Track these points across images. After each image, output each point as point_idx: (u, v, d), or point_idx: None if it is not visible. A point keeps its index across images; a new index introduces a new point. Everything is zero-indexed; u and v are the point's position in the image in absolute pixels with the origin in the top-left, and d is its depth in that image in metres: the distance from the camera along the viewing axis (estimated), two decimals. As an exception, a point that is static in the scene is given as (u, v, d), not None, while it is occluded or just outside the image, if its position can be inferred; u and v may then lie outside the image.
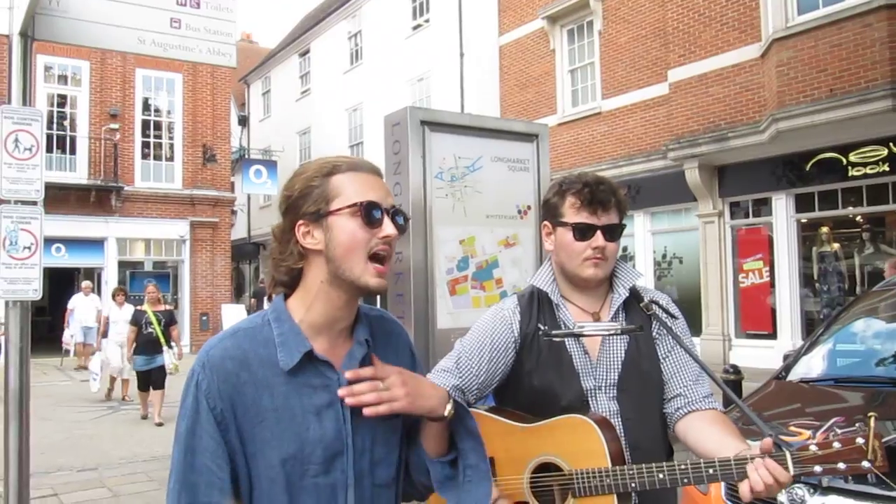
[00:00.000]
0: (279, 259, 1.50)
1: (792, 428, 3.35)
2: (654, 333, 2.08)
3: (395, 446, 1.58)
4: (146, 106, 20.68)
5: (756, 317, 12.86)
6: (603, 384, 2.02)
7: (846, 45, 10.04)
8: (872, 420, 1.56)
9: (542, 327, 2.05)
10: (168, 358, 10.03)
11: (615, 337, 2.04)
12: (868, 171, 10.84)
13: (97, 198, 19.18)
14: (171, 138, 21.02)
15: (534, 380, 2.05)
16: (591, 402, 2.00)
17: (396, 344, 1.64)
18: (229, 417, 1.40)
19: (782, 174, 12.08)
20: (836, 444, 1.56)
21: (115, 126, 19.59)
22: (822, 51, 10.28)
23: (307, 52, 27.62)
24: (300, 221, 1.46)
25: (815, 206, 11.90)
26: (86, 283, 16.53)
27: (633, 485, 1.80)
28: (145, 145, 20.57)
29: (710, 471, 1.71)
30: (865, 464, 1.55)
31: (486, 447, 1.62)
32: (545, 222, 2.14)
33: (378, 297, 1.61)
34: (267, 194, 26.37)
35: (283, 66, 29.36)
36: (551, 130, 4.12)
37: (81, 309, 15.71)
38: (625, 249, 14.84)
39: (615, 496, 1.82)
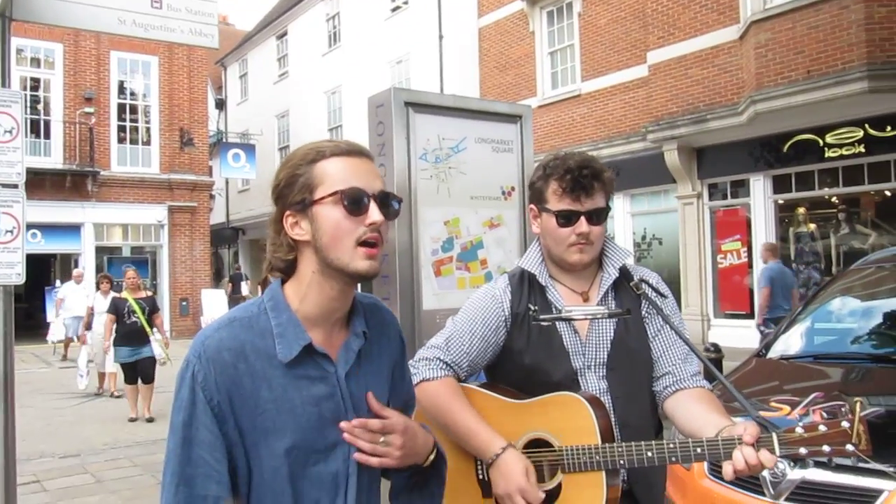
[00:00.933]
0: (273, 248, 1.48)
1: (773, 403, 3.42)
2: (643, 312, 2.09)
3: None
4: (121, 89, 20.42)
5: (734, 297, 13.01)
6: (592, 363, 2.04)
7: (823, 27, 10.11)
8: (858, 405, 1.59)
9: (532, 308, 2.07)
10: (158, 349, 9.32)
11: (624, 315, 2.05)
12: (844, 152, 10.97)
13: (73, 183, 18.95)
14: (147, 122, 20.78)
15: (525, 359, 2.07)
16: (580, 381, 2.03)
17: (389, 333, 1.63)
18: (226, 409, 1.37)
19: (760, 156, 12.19)
20: (822, 428, 1.58)
21: (91, 110, 19.31)
22: (800, 33, 10.35)
23: (284, 34, 27.34)
24: (287, 212, 1.43)
25: (792, 187, 12.03)
26: (77, 271, 15.24)
27: (621, 462, 1.83)
28: (121, 129, 20.33)
29: (698, 450, 1.73)
30: (850, 447, 1.57)
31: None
32: (531, 205, 2.14)
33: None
34: (245, 178, 26.16)
35: (261, 48, 29.06)
36: (532, 114, 4.13)
37: (73, 298, 14.46)
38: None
39: (604, 472, 1.85)
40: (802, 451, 1.61)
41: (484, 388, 2.08)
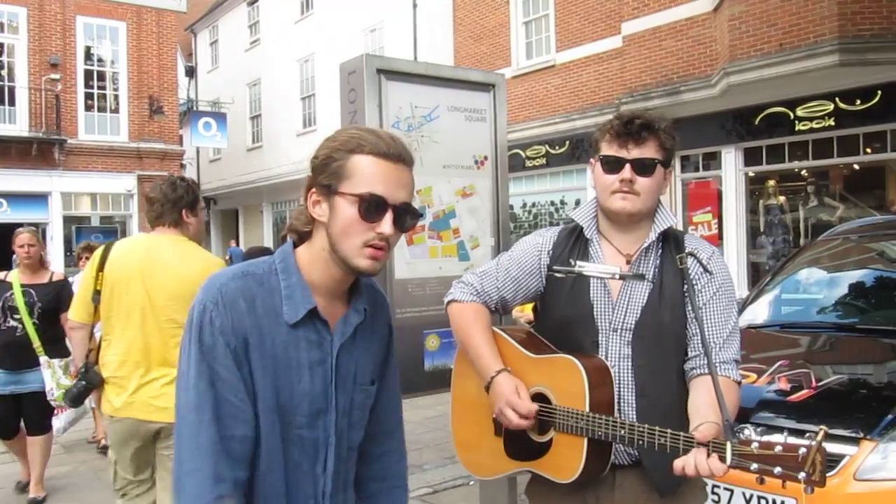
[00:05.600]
0: (297, 213, 1.52)
1: (740, 371, 3.47)
2: (684, 288, 2.02)
3: (367, 412, 1.63)
4: (88, 55, 19.92)
5: (704, 268, 13.11)
6: (619, 327, 2.03)
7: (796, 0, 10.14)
8: (822, 434, 1.54)
9: (572, 261, 2.08)
10: (49, 377, 4.84)
11: (637, 281, 2.03)
12: (814, 125, 11.06)
13: (39, 151, 18.54)
14: (115, 89, 20.34)
15: (555, 311, 2.12)
16: (602, 343, 2.04)
17: (382, 317, 1.67)
18: (242, 355, 1.40)
19: (732, 128, 12.25)
20: (778, 448, 1.56)
21: (57, 76, 18.86)
22: (773, 5, 10.37)
23: (256, 0, 26.85)
24: (313, 190, 1.47)
25: (763, 159, 12.12)
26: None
27: (599, 433, 1.87)
28: (89, 96, 19.87)
29: (662, 440, 1.76)
30: (801, 475, 1.52)
31: None
32: (591, 159, 2.16)
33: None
34: (217, 147, 25.82)
35: (231, 14, 28.51)
36: (506, 83, 4.11)
37: None
38: (577, 203, 14.98)
39: (586, 440, 1.90)
40: (754, 466, 1.59)
41: (510, 337, 2.16)
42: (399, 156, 1.46)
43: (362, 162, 1.42)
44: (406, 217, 1.46)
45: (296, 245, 1.53)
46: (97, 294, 3.45)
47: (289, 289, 1.46)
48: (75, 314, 3.59)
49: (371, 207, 1.41)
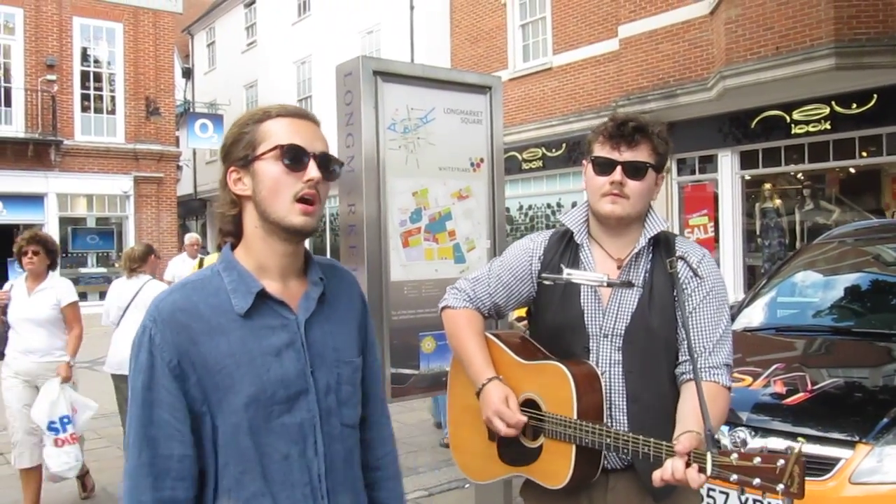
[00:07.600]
0: (220, 207, 1.53)
1: (735, 375, 3.46)
2: (674, 293, 2.00)
3: (359, 387, 1.61)
4: (85, 56, 19.90)
5: (700, 271, 13.11)
6: (610, 332, 2.02)
7: (793, 2, 10.13)
8: (799, 447, 1.55)
9: (563, 267, 2.08)
10: None
11: (625, 287, 2.02)
12: (810, 128, 11.07)
13: (35, 152, 18.51)
14: (112, 90, 20.33)
15: (547, 316, 2.12)
16: (593, 349, 2.03)
17: (350, 291, 1.66)
18: (187, 369, 1.40)
19: (728, 131, 12.26)
20: (757, 460, 1.55)
21: (53, 77, 18.83)
22: (770, 8, 10.38)
23: (253, 2, 26.82)
24: (231, 168, 1.48)
25: (759, 163, 12.13)
26: (192, 237, 10.67)
27: (586, 441, 1.87)
28: (85, 97, 19.85)
29: (645, 449, 1.76)
30: (780, 486, 1.52)
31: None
32: (583, 161, 2.15)
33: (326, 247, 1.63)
34: (213, 149, 25.78)
35: (228, 16, 28.49)
36: (502, 86, 4.10)
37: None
38: (573, 205, 14.97)
39: (574, 447, 1.90)
40: (734, 477, 1.58)
41: (503, 342, 2.16)
42: (305, 114, 1.52)
43: (274, 124, 1.47)
44: (330, 164, 1.49)
45: (233, 248, 1.54)
46: None
47: (233, 283, 1.46)
48: None
49: (293, 155, 1.43)
